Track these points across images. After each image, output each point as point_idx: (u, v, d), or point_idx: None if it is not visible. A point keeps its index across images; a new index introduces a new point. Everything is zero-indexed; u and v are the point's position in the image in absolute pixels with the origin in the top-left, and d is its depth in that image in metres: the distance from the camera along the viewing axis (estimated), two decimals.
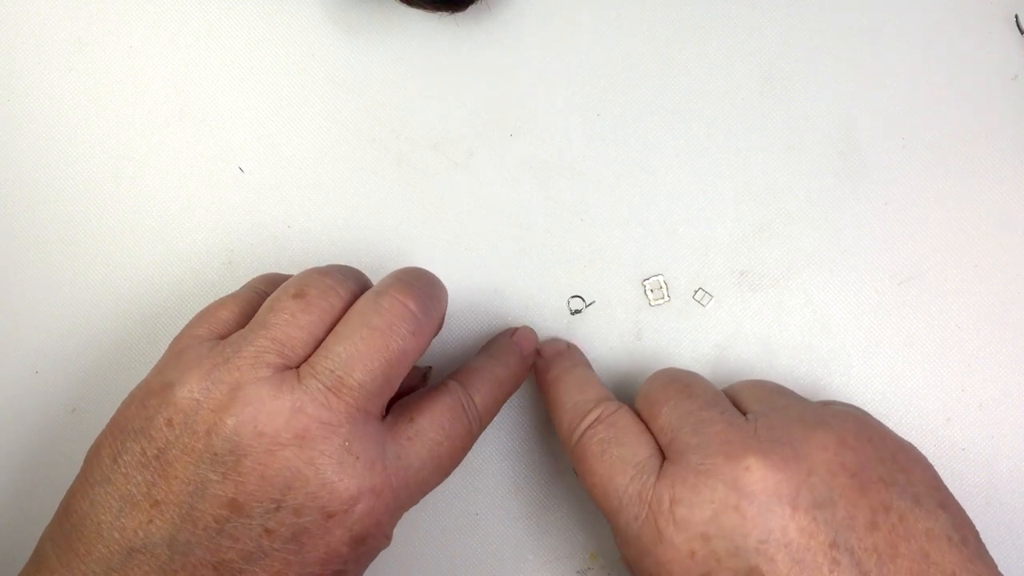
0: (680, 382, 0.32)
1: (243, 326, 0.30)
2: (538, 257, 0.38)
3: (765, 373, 0.38)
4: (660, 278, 0.38)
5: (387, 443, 0.30)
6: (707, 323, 0.38)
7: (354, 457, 0.28)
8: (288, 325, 0.29)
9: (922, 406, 0.38)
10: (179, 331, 0.31)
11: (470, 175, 0.39)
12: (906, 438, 0.31)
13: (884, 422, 0.32)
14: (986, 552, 0.29)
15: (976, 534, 0.29)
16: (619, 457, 0.31)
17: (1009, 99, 0.39)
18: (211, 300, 0.32)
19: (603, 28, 0.39)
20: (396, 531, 0.31)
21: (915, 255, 0.38)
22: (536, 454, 0.38)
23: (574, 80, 0.39)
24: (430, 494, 0.32)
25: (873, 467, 0.29)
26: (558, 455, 0.37)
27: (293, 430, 0.28)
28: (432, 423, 0.31)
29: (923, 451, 0.31)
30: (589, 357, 0.37)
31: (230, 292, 0.33)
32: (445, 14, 0.39)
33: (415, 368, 0.36)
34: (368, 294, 0.31)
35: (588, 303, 0.38)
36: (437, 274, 0.33)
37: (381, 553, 0.30)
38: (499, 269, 0.38)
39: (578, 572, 0.37)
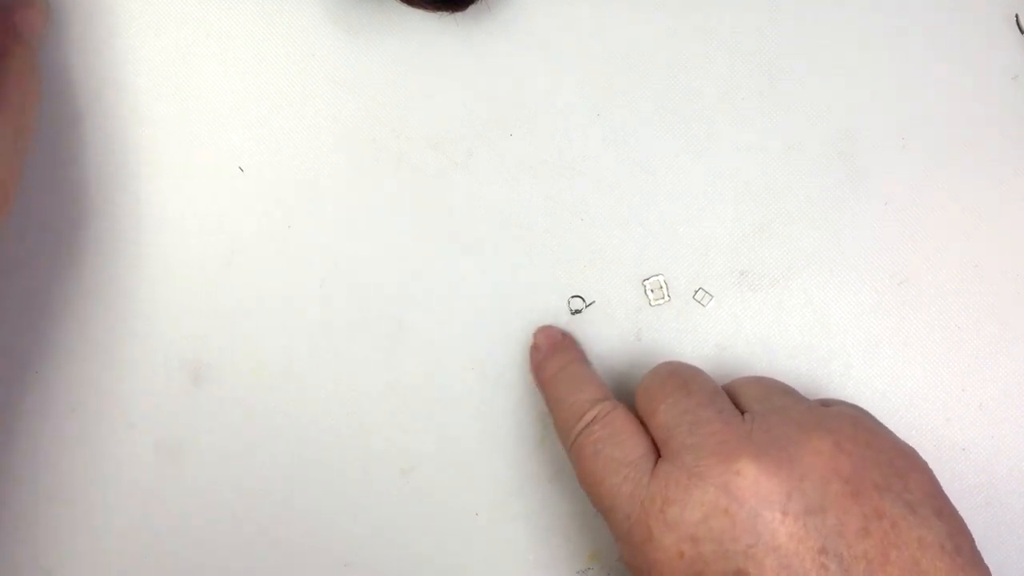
0: (680, 377, 0.32)
1: None
2: (538, 257, 0.38)
3: (765, 373, 0.37)
4: (660, 278, 0.38)
5: None
6: (707, 323, 0.38)
7: None
8: None
9: (922, 406, 0.38)
10: None
11: (470, 175, 0.39)
12: (906, 438, 0.31)
13: (884, 422, 0.32)
14: (981, 561, 0.28)
15: (972, 543, 0.29)
16: (613, 457, 0.31)
17: (1009, 99, 0.39)
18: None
19: (603, 28, 0.39)
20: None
21: (915, 255, 0.38)
22: (536, 454, 0.38)
23: (574, 80, 0.39)
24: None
25: (868, 472, 0.28)
26: (558, 455, 0.37)
27: None
28: None
29: (923, 451, 0.31)
30: (589, 357, 0.37)
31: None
32: (445, 14, 0.39)
33: None
34: None
35: (588, 303, 0.38)
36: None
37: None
38: (499, 269, 0.38)
39: (578, 572, 0.37)
